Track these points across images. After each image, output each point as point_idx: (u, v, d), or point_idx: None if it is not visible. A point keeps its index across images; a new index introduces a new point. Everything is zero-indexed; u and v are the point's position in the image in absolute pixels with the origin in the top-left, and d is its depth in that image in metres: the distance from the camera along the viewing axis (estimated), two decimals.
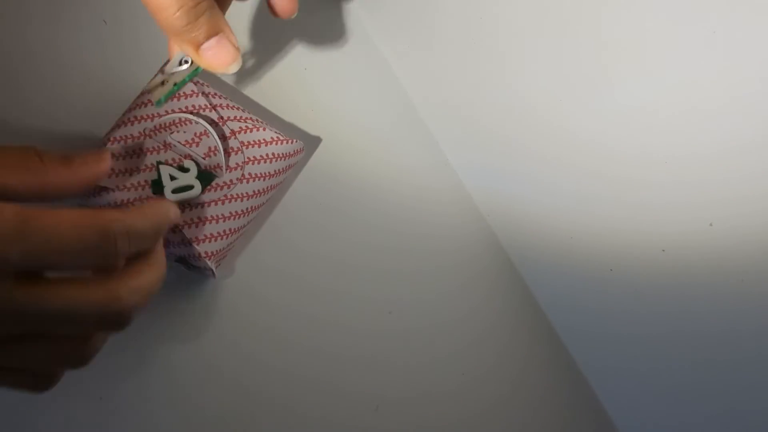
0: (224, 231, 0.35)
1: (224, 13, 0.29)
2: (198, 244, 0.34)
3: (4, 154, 0.24)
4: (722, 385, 0.38)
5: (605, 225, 0.42)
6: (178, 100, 0.36)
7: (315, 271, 0.41)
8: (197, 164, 0.35)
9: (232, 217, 0.35)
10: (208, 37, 0.27)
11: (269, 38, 0.46)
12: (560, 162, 0.43)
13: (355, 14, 0.51)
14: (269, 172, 0.37)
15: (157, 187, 0.33)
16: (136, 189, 0.33)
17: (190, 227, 0.34)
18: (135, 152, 0.34)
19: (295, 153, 0.39)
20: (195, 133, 0.35)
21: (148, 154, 0.35)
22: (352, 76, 0.50)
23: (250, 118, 0.38)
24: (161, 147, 0.35)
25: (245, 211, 0.36)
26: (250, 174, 0.36)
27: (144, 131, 0.35)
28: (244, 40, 0.44)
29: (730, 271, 0.36)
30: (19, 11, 0.37)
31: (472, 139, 0.49)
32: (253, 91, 0.43)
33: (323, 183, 0.44)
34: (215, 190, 0.35)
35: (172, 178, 0.34)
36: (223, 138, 0.36)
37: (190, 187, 0.34)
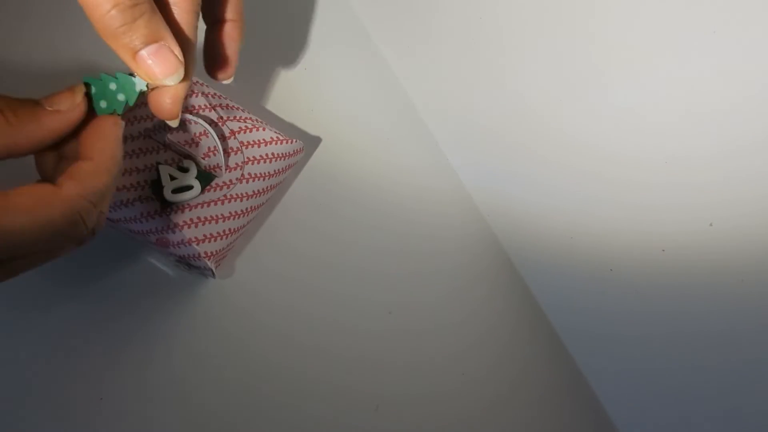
0: (224, 231, 0.35)
1: (193, 25, 0.26)
2: (198, 244, 0.33)
3: None
4: (722, 385, 0.38)
5: (605, 225, 0.42)
6: None
7: (315, 271, 0.41)
8: (197, 164, 0.35)
9: (232, 217, 0.35)
10: (146, 44, 0.24)
11: (269, 38, 0.46)
12: (560, 163, 0.43)
13: (355, 14, 0.51)
14: (269, 172, 0.37)
15: (157, 187, 0.33)
16: (135, 189, 0.33)
17: (190, 227, 0.34)
18: (134, 152, 0.34)
19: (294, 153, 0.39)
20: (194, 134, 0.35)
21: (148, 154, 0.35)
22: (352, 76, 0.50)
23: (250, 118, 0.38)
24: (161, 147, 0.35)
25: (245, 211, 0.36)
26: (249, 174, 0.36)
27: (143, 131, 0.35)
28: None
29: (730, 271, 0.36)
30: (19, 11, 0.37)
31: (473, 140, 0.49)
32: (253, 91, 0.43)
33: (323, 183, 0.44)
34: (215, 190, 0.35)
35: (172, 178, 0.34)
36: (223, 138, 0.36)
37: (190, 187, 0.34)
